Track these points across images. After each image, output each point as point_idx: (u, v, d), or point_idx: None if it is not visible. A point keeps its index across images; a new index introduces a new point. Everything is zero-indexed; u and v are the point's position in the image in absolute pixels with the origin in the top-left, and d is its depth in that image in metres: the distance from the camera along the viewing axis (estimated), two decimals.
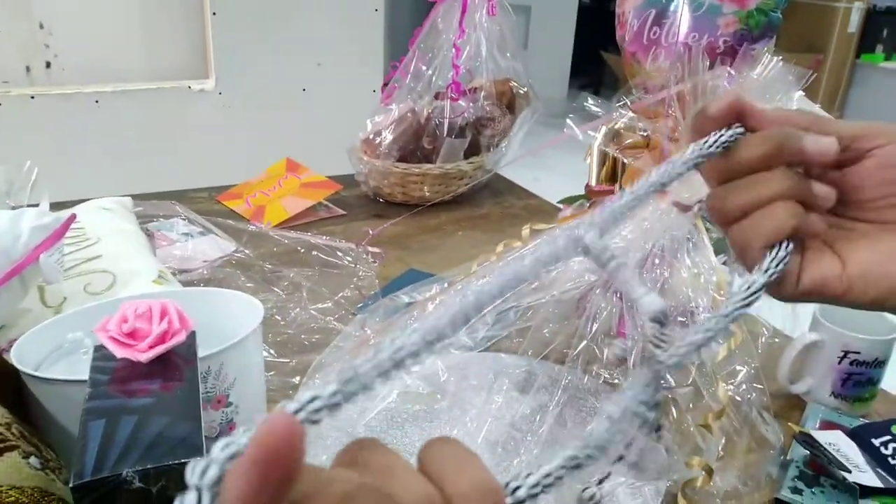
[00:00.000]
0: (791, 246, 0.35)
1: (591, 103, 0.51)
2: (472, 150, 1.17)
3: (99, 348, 0.49)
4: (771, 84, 0.46)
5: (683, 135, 0.48)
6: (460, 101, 1.11)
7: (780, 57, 0.48)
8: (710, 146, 0.35)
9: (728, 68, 0.45)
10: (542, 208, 1.20)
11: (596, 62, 4.22)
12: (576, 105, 0.51)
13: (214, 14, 1.94)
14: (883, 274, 0.35)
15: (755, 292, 0.33)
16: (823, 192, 0.35)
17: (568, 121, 0.52)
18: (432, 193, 1.14)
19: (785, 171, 0.35)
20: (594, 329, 0.49)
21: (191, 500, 0.19)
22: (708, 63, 0.45)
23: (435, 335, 0.26)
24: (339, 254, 0.94)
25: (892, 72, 4.14)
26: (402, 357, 0.26)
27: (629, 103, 0.51)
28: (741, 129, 0.36)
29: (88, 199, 0.91)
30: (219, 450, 0.20)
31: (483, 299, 0.28)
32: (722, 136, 0.35)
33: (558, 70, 4.41)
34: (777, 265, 0.34)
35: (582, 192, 0.75)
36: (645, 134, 0.51)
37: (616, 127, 0.52)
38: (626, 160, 0.50)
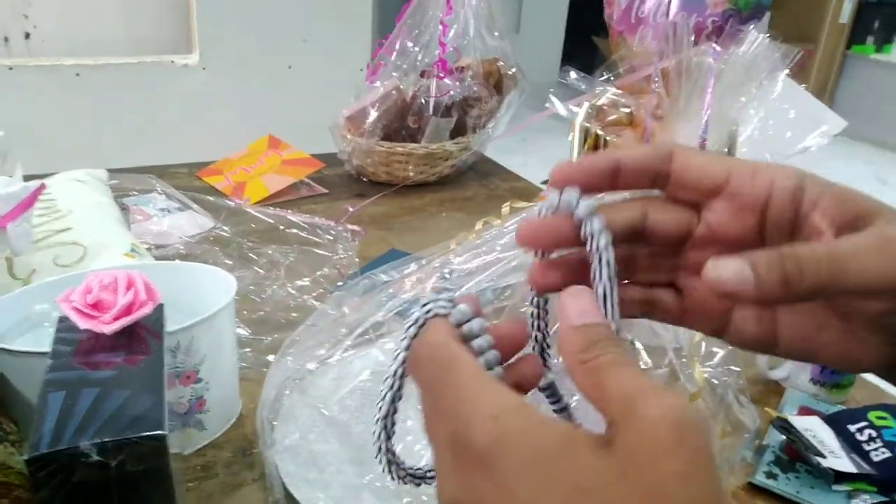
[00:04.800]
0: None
1: (574, 78, 0.50)
2: (458, 131, 1.15)
3: (63, 320, 0.48)
4: (756, 62, 0.45)
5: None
6: (446, 80, 1.09)
7: (768, 34, 0.47)
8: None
9: (713, 44, 0.44)
10: (528, 190, 1.19)
11: (588, 47, 4.18)
12: (560, 81, 0.49)
13: None
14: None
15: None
16: None
17: (550, 96, 0.51)
18: (417, 173, 1.12)
19: None
20: None
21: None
22: (693, 39, 0.44)
23: None
24: (319, 232, 0.92)
25: (882, 63, 4.15)
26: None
27: (613, 79, 0.50)
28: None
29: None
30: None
31: None
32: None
33: (550, 55, 4.38)
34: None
35: None
36: (628, 111, 0.50)
37: (599, 103, 0.51)
38: (608, 137, 0.49)
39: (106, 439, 0.38)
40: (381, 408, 0.34)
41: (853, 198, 0.30)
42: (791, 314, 0.32)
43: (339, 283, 0.83)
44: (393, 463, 0.35)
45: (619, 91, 0.50)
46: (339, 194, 1.12)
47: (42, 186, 0.65)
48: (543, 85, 1.14)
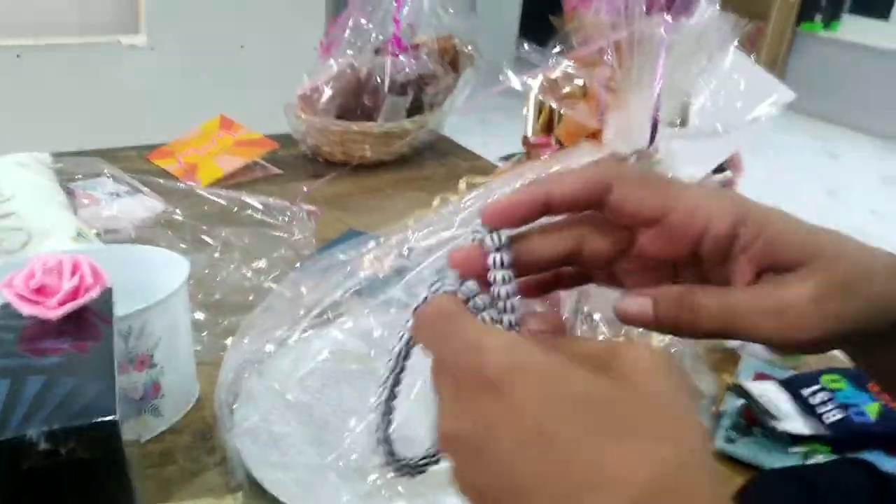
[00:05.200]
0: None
1: (528, 50, 0.50)
2: (415, 109, 1.14)
3: (6, 307, 0.46)
4: (707, 33, 0.45)
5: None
6: (401, 57, 1.08)
7: (717, 5, 0.47)
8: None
9: (665, 15, 0.44)
10: (488, 169, 1.18)
11: (544, 27, 4.18)
12: (514, 54, 0.49)
13: None
14: None
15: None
16: None
17: (505, 69, 0.50)
18: (374, 153, 1.11)
19: None
20: None
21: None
22: (645, 10, 0.44)
23: None
24: (275, 213, 0.91)
25: (830, 41, 4.24)
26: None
27: (567, 52, 0.50)
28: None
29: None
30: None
31: None
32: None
33: (506, 33, 4.37)
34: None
35: (515, 152, 0.74)
36: (582, 83, 0.50)
37: (553, 77, 0.51)
38: (562, 110, 0.49)
39: (55, 427, 0.37)
40: (381, 392, 0.32)
41: (787, 242, 0.31)
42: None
43: (297, 265, 0.81)
44: (391, 454, 0.33)
45: (573, 64, 0.50)
46: (295, 175, 1.10)
47: None
48: (500, 64, 1.13)
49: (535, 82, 0.50)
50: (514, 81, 0.50)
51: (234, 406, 0.56)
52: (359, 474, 0.51)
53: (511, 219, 0.31)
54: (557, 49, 0.51)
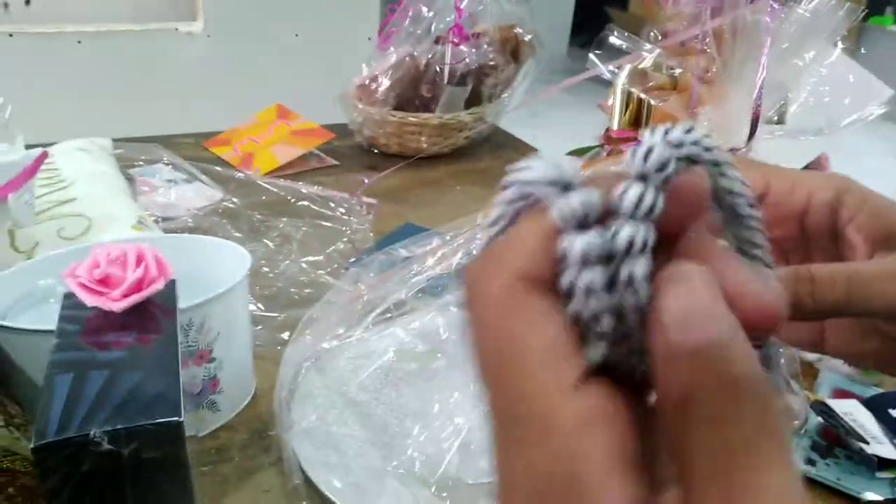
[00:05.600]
0: None
1: (615, 37, 0.46)
2: (473, 101, 1.11)
3: (69, 296, 0.45)
4: (817, 21, 0.41)
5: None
6: (462, 47, 1.05)
7: None
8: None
9: (770, 2, 0.41)
10: None
11: (598, 19, 4.09)
12: (598, 39, 0.46)
13: None
14: None
15: None
16: None
17: (591, 56, 0.47)
18: (430, 145, 1.09)
19: None
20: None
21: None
22: None
23: None
24: (332, 205, 0.89)
25: None
26: None
27: (658, 38, 0.46)
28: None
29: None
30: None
31: None
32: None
33: (559, 25, 4.29)
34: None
35: (587, 145, 0.70)
36: (674, 74, 0.47)
37: (642, 67, 0.48)
38: (652, 101, 0.46)
39: (118, 426, 0.35)
40: None
41: (890, 213, 0.30)
42: (835, 322, 0.32)
43: (353, 259, 0.80)
44: None
45: (662, 53, 0.46)
46: (350, 166, 1.09)
47: (44, 154, 0.62)
48: (553, 57, 1.09)
49: (623, 71, 0.47)
50: (602, 69, 0.47)
51: (292, 404, 0.54)
52: (421, 483, 0.49)
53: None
54: (648, 37, 0.47)
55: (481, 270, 0.18)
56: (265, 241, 0.82)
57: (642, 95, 0.45)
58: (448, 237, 0.54)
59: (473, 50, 1.06)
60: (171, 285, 0.46)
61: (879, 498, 0.54)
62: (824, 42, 0.44)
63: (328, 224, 0.86)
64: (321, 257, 0.80)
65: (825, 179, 0.30)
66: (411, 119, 1.07)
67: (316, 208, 0.89)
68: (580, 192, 0.17)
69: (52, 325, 0.44)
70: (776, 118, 0.46)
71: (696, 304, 0.16)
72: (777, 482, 0.15)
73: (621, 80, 0.47)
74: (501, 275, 0.17)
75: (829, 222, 0.30)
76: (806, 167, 0.60)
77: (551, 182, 0.18)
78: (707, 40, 0.41)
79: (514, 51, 1.13)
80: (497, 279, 0.17)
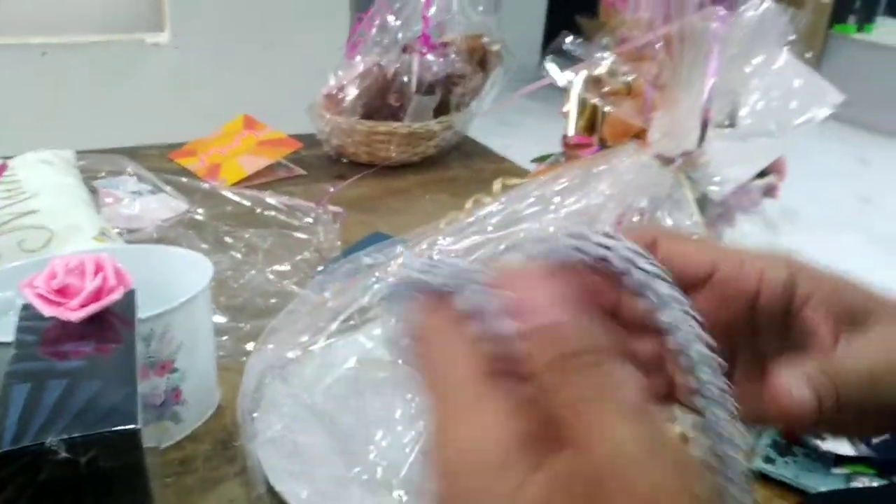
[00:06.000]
0: None
1: (570, 44, 0.47)
2: (441, 109, 1.12)
3: (27, 307, 0.45)
4: (763, 27, 0.43)
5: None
6: (430, 56, 1.06)
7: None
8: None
9: (718, 8, 0.42)
10: (514, 171, 1.16)
11: (570, 29, 4.13)
12: (554, 46, 0.47)
13: None
14: None
15: None
16: None
17: (546, 64, 0.48)
18: (399, 154, 1.09)
19: None
20: None
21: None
22: (698, 2, 0.42)
23: None
24: (299, 214, 0.89)
25: (864, 43, 4.16)
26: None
27: (614, 45, 0.48)
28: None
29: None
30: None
31: None
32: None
33: (531, 35, 4.33)
34: None
35: (553, 152, 0.71)
36: (628, 80, 0.48)
37: (597, 73, 0.49)
38: (606, 108, 0.47)
39: (75, 434, 0.35)
40: None
41: (846, 292, 0.29)
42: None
43: (320, 268, 0.80)
44: None
45: (617, 59, 0.47)
46: (319, 176, 1.09)
47: (3, 166, 0.61)
48: (524, 67, 1.11)
49: (579, 78, 0.48)
50: (557, 77, 0.48)
51: (255, 414, 0.54)
52: (385, 488, 0.49)
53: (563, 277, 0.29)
54: (602, 44, 0.48)
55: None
56: (231, 252, 0.82)
57: (597, 101, 0.46)
58: (410, 243, 0.54)
59: (441, 59, 1.07)
60: (130, 295, 0.46)
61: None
62: (772, 47, 0.45)
63: (295, 234, 0.86)
64: (288, 267, 0.79)
65: (776, 259, 0.29)
66: (380, 128, 1.08)
67: (282, 218, 0.89)
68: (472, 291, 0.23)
69: (10, 337, 0.43)
70: (727, 122, 0.48)
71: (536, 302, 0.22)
72: (619, 435, 0.19)
73: (577, 87, 0.48)
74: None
75: (782, 303, 0.28)
76: (764, 172, 0.61)
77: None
78: (658, 46, 0.43)
79: (481, 60, 1.14)
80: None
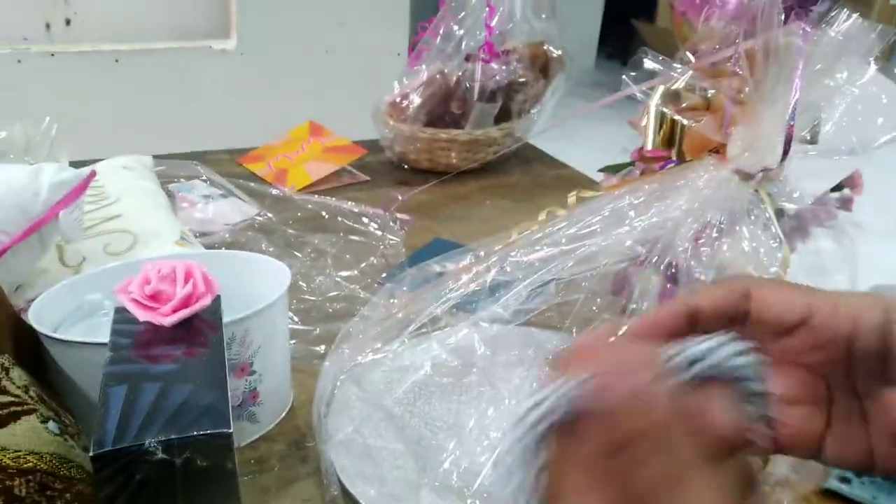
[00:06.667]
0: None
1: (649, 59, 0.47)
2: (503, 116, 1.13)
3: (119, 311, 0.47)
4: (848, 43, 0.42)
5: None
6: (492, 64, 1.07)
7: (858, 14, 0.44)
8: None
9: (802, 24, 0.41)
10: (575, 178, 1.16)
11: (624, 31, 4.10)
12: (634, 62, 0.47)
13: None
14: None
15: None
16: None
17: (624, 77, 0.48)
18: (460, 160, 1.10)
19: None
20: (645, 308, 0.46)
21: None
22: (782, 17, 0.41)
23: None
24: (365, 220, 0.91)
25: None
26: None
27: (691, 59, 0.47)
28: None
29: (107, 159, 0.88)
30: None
31: None
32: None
33: (586, 38, 4.29)
34: None
35: (617, 161, 0.71)
36: (706, 95, 0.48)
37: (674, 87, 0.49)
38: (685, 122, 0.47)
39: (171, 436, 0.37)
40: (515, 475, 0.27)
41: None
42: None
43: (385, 274, 0.81)
44: None
45: (695, 74, 0.47)
46: (381, 182, 1.10)
47: (93, 173, 0.64)
48: (580, 70, 1.10)
49: (657, 92, 0.48)
50: (635, 90, 0.48)
51: (327, 417, 0.56)
52: (457, 494, 0.50)
53: (659, 335, 0.29)
54: (681, 57, 0.48)
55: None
56: (300, 255, 0.84)
57: (675, 116, 0.46)
58: (482, 254, 0.55)
59: (503, 67, 1.08)
60: (216, 301, 0.48)
61: None
62: (857, 62, 0.44)
63: (361, 239, 0.88)
64: (355, 272, 0.81)
65: (871, 299, 0.29)
66: (441, 135, 1.09)
67: (349, 223, 0.91)
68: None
69: (102, 338, 0.45)
70: (809, 138, 0.47)
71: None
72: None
73: (654, 101, 0.48)
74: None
75: (879, 345, 0.28)
76: (839, 185, 0.60)
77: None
78: (739, 62, 0.42)
79: (543, 67, 1.15)
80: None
